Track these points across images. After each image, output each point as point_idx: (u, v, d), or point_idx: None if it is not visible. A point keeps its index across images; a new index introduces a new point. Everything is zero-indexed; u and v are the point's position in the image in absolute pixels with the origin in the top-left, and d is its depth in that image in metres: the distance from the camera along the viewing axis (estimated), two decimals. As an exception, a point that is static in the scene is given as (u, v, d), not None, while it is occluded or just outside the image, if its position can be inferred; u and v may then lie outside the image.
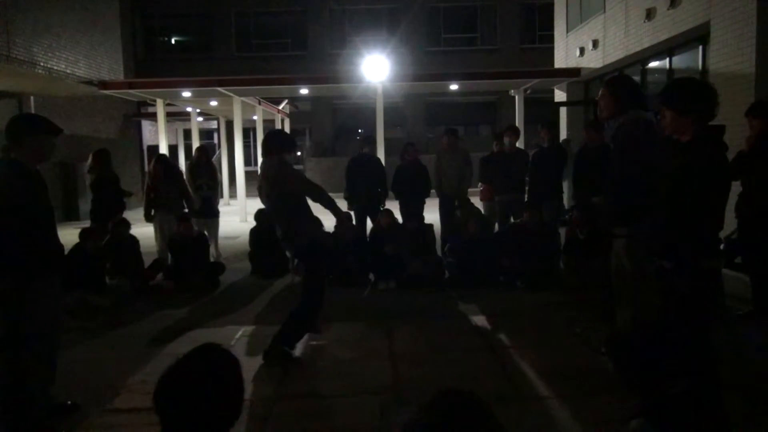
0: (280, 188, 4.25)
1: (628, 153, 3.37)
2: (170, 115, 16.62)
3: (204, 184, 8.08)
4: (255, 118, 16.78)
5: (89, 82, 13.51)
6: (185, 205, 7.72)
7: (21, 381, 3.08)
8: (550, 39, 15.67)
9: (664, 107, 3.03)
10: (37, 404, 3.17)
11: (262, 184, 4.42)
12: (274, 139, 4.52)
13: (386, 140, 13.17)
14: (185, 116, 18.57)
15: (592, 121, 7.04)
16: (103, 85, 13.45)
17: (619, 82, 3.78)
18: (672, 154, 2.97)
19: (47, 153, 3.32)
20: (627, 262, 3.41)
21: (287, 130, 20.49)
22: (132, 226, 7.20)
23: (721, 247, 4.11)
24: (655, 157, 3.22)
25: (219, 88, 13.16)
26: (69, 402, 3.54)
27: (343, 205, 7.87)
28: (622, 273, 3.46)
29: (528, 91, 14.60)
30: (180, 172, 8.12)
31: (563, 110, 13.85)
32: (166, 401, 1.42)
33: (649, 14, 9.50)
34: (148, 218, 7.64)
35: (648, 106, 3.54)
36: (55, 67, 13.16)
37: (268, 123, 19.53)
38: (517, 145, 7.98)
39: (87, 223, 7.66)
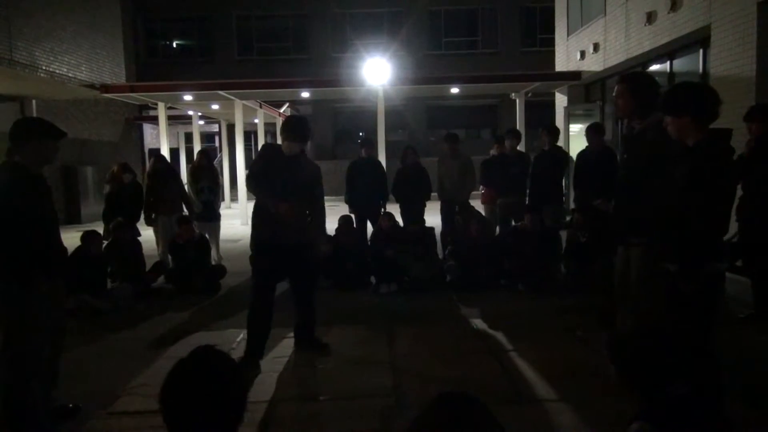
0: None
1: (654, 161, 3.21)
2: (172, 119, 16.65)
3: (205, 187, 8.09)
4: (256, 121, 16.82)
5: (91, 86, 13.54)
6: (185, 208, 7.74)
7: (23, 384, 3.08)
8: (551, 42, 15.69)
9: (664, 114, 3.03)
10: (39, 407, 3.17)
11: None
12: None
13: (387, 143, 13.18)
14: (187, 119, 18.60)
15: (592, 125, 7.04)
16: (105, 88, 13.48)
17: (638, 80, 3.58)
18: (678, 158, 2.96)
19: (50, 157, 3.33)
20: (641, 270, 3.32)
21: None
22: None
23: (722, 250, 4.08)
24: (670, 163, 3.15)
25: (220, 92, 13.18)
26: (70, 405, 3.54)
27: (344, 208, 7.92)
28: (629, 279, 3.41)
29: (529, 95, 14.61)
30: (178, 173, 8.13)
31: (562, 114, 13.85)
32: (173, 404, 1.42)
33: (650, 18, 9.52)
34: (149, 221, 7.65)
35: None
36: (57, 71, 13.22)
37: (270, 126, 19.57)
38: (518, 148, 8.00)
39: (88, 226, 7.67)
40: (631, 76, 3.59)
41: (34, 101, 12.98)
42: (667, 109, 3.00)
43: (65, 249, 3.63)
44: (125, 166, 7.71)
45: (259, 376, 4.09)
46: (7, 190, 3.11)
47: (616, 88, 3.52)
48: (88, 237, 6.27)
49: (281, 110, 18.70)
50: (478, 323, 5.29)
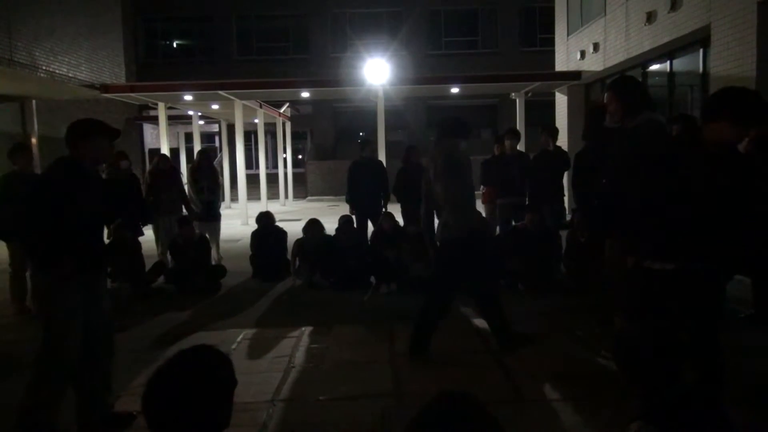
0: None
1: (640, 156, 3.24)
2: (172, 119, 16.66)
3: (206, 188, 8.09)
4: (256, 121, 16.82)
5: (91, 86, 13.54)
6: (185, 208, 7.74)
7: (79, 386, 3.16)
8: (551, 42, 15.69)
9: (722, 121, 2.68)
10: (54, 422, 3.13)
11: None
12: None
13: (387, 143, 13.18)
14: (187, 119, 18.60)
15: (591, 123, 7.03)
16: (105, 88, 13.48)
17: (625, 85, 3.73)
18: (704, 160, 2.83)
19: (105, 155, 3.46)
20: (612, 259, 3.45)
21: (288, 133, 20.54)
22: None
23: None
24: (664, 161, 3.16)
25: (220, 92, 13.19)
26: (133, 412, 3.43)
27: (344, 208, 7.92)
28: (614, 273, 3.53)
29: (529, 94, 14.62)
30: (179, 174, 8.14)
31: (564, 114, 13.86)
32: (154, 405, 1.41)
33: (650, 17, 9.51)
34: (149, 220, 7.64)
35: (654, 107, 3.52)
36: (57, 71, 13.21)
37: (270, 126, 19.57)
38: (518, 147, 7.99)
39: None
40: (617, 83, 3.77)
41: (34, 101, 12.97)
42: (731, 118, 2.67)
43: (105, 246, 3.65)
44: (122, 153, 7.64)
45: (259, 376, 4.09)
46: (57, 185, 3.12)
47: (605, 95, 3.69)
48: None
49: (281, 110, 18.71)
50: (478, 323, 5.28)
